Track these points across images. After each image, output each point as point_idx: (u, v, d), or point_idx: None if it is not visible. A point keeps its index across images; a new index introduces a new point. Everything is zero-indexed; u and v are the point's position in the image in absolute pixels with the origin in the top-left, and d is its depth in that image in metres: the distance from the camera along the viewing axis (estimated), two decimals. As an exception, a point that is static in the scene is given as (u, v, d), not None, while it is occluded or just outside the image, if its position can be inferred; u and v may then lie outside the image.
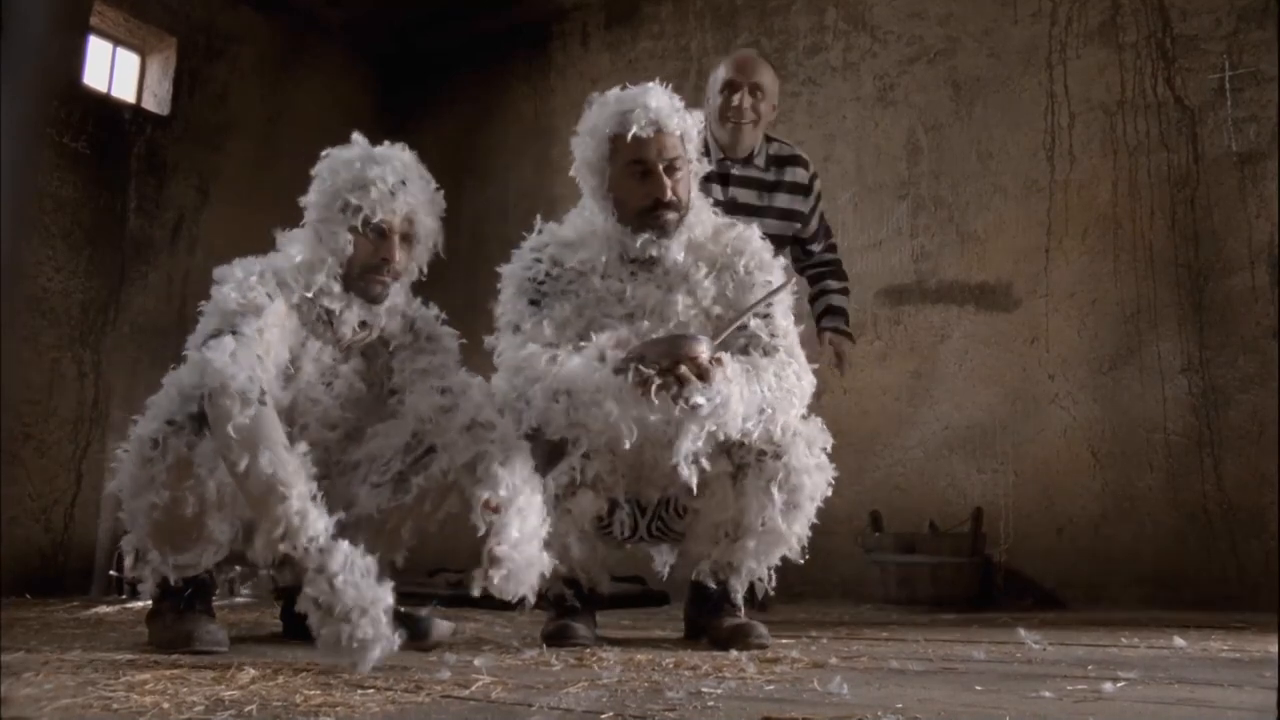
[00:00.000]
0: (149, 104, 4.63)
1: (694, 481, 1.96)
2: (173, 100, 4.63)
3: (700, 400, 1.88)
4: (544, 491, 1.95)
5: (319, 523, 1.74)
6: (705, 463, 1.99)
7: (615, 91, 2.21)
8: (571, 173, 2.25)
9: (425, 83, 5.69)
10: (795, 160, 3.06)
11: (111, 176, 4.33)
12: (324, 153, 2.19)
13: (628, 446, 1.95)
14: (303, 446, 1.86)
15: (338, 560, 1.72)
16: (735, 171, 2.99)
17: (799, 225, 3.07)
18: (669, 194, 2.14)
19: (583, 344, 2.05)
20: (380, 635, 1.67)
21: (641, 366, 1.88)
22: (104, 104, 4.38)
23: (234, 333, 1.91)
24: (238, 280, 2.02)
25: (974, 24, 4.30)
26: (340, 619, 1.67)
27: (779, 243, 2.84)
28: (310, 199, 2.18)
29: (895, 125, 4.41)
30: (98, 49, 4.51)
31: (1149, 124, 3.91)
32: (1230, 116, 3.76)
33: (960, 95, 4.29)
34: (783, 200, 3.03)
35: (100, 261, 4.25)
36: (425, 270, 2.29)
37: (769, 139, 3.07)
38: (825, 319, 3.18)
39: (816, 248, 3.18)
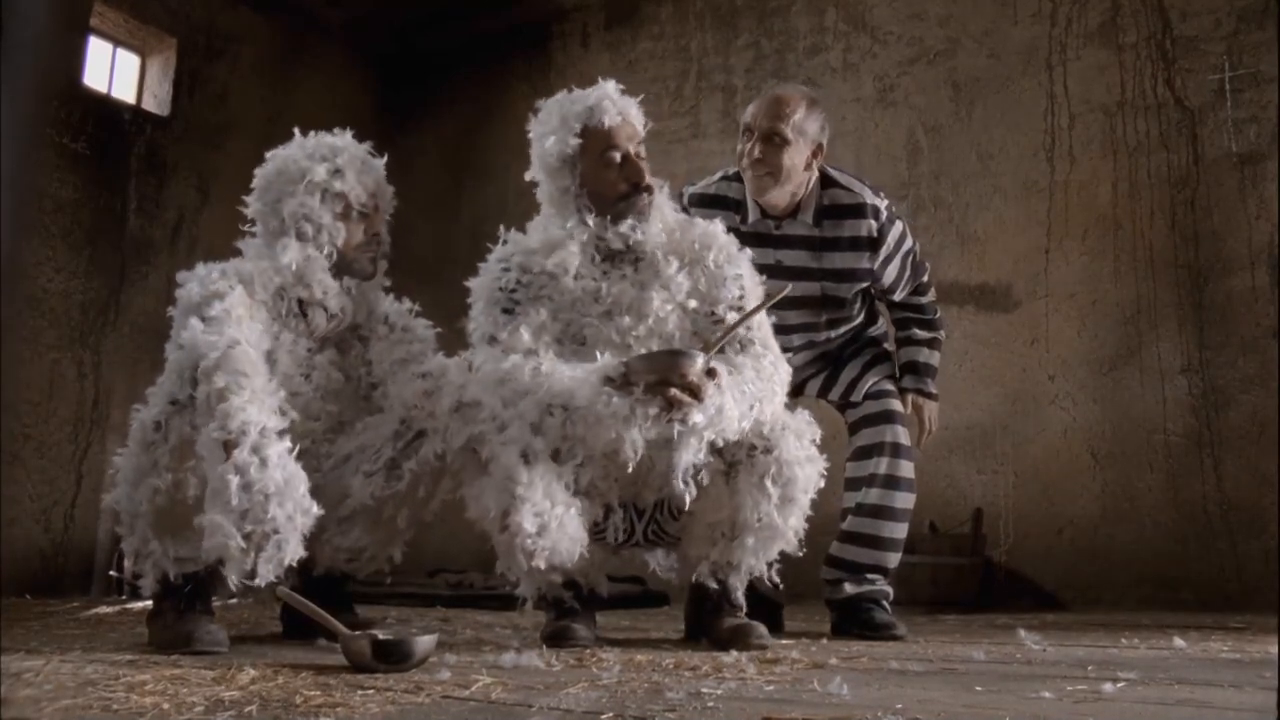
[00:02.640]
0: (149, 104, 4.63)
1: (689, 496, 2.00)
2: (173, 100, 4.63)
3: (697, 418, 1.91)
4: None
5: (258, 415, 1.82)
6: (705, 476, 2.02)
7: (564, 94, 2.28)
8: (528, 177, 2.27)
9: (425, 83, 5.69)
10: (856, 211, 2.53)
11: (111, 177, 4.33)
12: (268, 154, 2.29)
13: (630, 469, 1.99)
14: (274, 384, 1.97)
15: (276, 448, 1.80)
16: (777, 231, 2.56)
17: (865, 283, 2.61)
18: (648, 177, 2.21)
19: (573, 350, 2.07)
20: (290, 540, 1.74)
21: (631, 382, 1.92)
22: (104, 104, 4.38)
23: (202, 319, 1.99)
24: (199, 277, 2.12)
25: (974, 25, 4.31)
26: (259, 497, 1.72)
27: (840, 303, 2.60)
28: (266, 206, 2.25)
29: (895, 126, 4.41)
30: (98, 49, 4.50)
31: (1149, 124, 3.91)
32: (1230, 117, 3.76)
33: (960, 96, 4.29)
34: (838, 260, 2.55)
35: (100, 261, 4.25)
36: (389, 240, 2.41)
37: (827, 184, 2.57)
38: (907, 377, 2.72)
39: (899, 295, 2.71)
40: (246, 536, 1.73)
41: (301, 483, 1.83)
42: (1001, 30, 4.25)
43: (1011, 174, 4.15)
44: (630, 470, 2.01)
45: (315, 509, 1.84)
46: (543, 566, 1.93)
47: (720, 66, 4.87)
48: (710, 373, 1.96)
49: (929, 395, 2.74)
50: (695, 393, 1.92)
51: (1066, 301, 3.97)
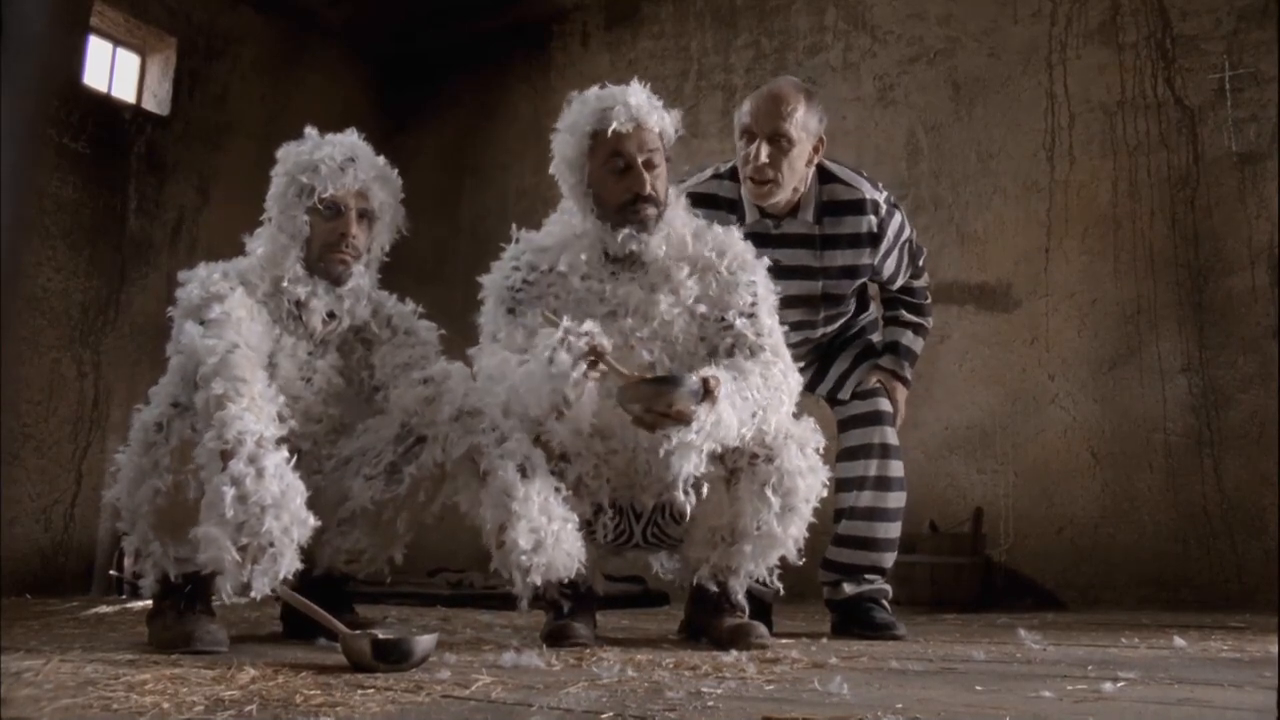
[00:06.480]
0: (149, 104, 4.63)
1: (690, 505, 2.00)
2: (173, 100, 4.63)
3: (689, 437, 1.90)
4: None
5: (255, 423, 1.80)
6: (706, 482, 2.01)
7: (595, 90, 2.22)
8: (551, 170, 2.27)
9: (425, 83, 5.70)
10: (856, 207, 2.48)
11: (111, 176, 4.33)
12: (280, 150, 2.28)
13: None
14: (273, 390, 1.96)
15: (273, 459, 1.78)
16: (776, 230, 2.50)
17: (865, 279, 2.60)
18: (648, 188, 2.15)
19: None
20: (285, 553, 1.72)
21: (623, 404, 1.93)
22: (104, 104, 4.38)
23: (201, 322, 1.99)
24: (200, 279, 2.11)
25: (974, 24, 4.31)
26: (254, 509, 1.70)
27: (838, 300, 2.58)
28: (270, 196, 2.27)
29: (895, 125, 4.41)
30: (98, 49, 4.51)
31: (1149, 124, 3.91)
32: (1230, 117, 3.76)
33: (960, 95, 4.29)
34: (839, 258, 2.51)
35: (100, 261, 4.25)
36: (386, 249, 2.36)
37: (825, 178, 2.52)
38: (886, 356, 2.68)
39: (897, 284, 2.68)
40: (241, 549, 1.70)
41: (298, 494, 1.80)
42: (1001, 29, 4.25)
43: (1011, 174, 4.15)
44: (623, 463, 2.00)
45: (312, 520, 1.81)
46: (539, 582, 1.92)
47: (720, 66, 4.87)
48: (707, 393, 1.92)
49: (902, 379, 2.69)
50: (683, 419, 1.90)
51: (1066, 301, 3.97)
